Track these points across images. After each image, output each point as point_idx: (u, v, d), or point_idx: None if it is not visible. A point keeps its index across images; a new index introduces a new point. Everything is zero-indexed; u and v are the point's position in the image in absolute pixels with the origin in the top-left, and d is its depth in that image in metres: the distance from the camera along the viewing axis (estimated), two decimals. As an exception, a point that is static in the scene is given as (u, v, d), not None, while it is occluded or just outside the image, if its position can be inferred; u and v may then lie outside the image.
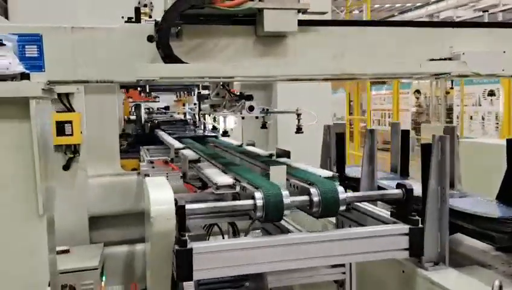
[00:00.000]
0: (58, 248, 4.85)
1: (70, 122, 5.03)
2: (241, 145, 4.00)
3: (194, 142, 4.34)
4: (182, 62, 2.43)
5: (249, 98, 2.93)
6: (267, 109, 3.09)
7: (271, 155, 3.17)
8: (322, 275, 2.34)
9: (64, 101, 5.07)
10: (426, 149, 2.91)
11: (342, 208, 1.97)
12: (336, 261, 1.97)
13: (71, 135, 5.05)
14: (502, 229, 2.58)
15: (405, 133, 4.20)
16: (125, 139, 6.58)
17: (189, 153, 3.21)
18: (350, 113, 18.43)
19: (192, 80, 2.95)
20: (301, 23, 2.79)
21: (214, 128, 5.32)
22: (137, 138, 6.28)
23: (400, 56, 2.95)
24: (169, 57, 2.37)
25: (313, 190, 1.96)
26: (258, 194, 1.91)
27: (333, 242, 1.91)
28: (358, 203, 2.35)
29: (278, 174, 2.16)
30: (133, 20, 2.78)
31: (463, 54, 2.98)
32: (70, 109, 5.11)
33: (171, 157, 3.59)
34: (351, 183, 3.87)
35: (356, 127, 9.49)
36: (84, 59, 2.60)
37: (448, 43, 3.04)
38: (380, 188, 3.76)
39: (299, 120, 3.21)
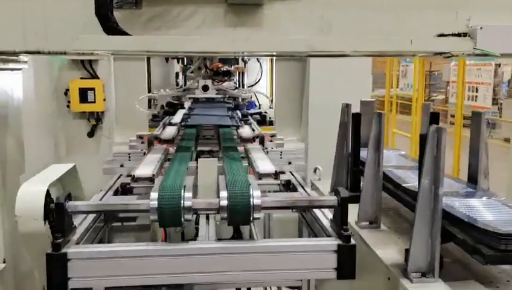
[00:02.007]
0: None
1: (93, 89, 4.98)
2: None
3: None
4: (125, 33, 2.17)
5: (226, 74, 2.62)
6: (225, 90, 2.75)
7: (254, 139, 2.86)
8: (275, 281, 2.06)
9: (88, 68, 5.01)
10: (423, 141, 2.49)
11: (258, 215, 1.65)
12: (242, 278, 1.67)
13: (94, 102, 5.01)
14: (493, 244, 2.14)
15: (434, 116, 3.70)
16: (162, 108, 6.49)
17: (168, 132, 2.97)
18: (430, 86, 17.10)
19: (139, 53, 2.69)
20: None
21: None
22: (172, 106, 6.14)
23: (402, 30, 2.51)
24: (107, 28, 2.12)
25: (222, 193, 1.66)
26: (154, 194, 1.64)
27: (241, 255, 1.62)
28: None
29: (206, 168, 1.88)
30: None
31: (480, 28, 2.48)
32: (94, 76, 5.05)
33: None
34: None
35: (421, 100, 8.70)
36: (35, 29, 2.42)
37: (464, 14, 2.55)
38: (386, 178, 3.36)
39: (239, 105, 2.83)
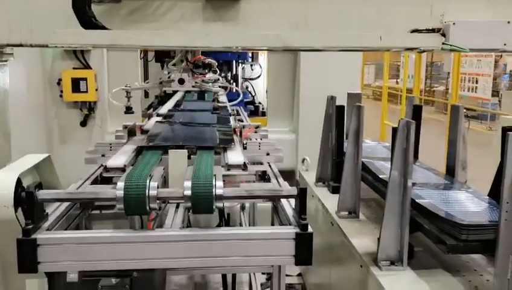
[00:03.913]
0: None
1: (85, 79, 5.05)
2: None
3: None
4: (102, 27, 2.23)
5: (207, 67, 2.68)
6: (202, 82, 2.81)
7: (235, 130, 2.91)
8: (238, 267, 2.14)
9: (80, 58, 5.08)
10: (396, 134, 2.56)
11: (219, 204, 1.74)
12: (205, 264, 1.75)
13: (86, 92, 5.08)
14: (455, 234, 2.21)
15: (417, 109, 3.77)
16: (157, 97, 6.54)
17: (150, 123, 3.04)
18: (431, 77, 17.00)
19: (114, 47, 2.74)
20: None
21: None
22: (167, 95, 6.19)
23: (376, 26, 2.56)
24: (83, 22, 2.18)
25: (186, 183, 1.74)
26: (120, 184, 1.72)
27: (202, 242, 1.70)
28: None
29: (177, 160, 1.96)
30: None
31: (453, 24, 2.54)
32: (87, 66, 5.12)
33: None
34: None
35: (417, 92, 8.70)
36: (19, 22, 2.48)
37: (438, 10, 2.59)
38: (367, 169, 3.43)
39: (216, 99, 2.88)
